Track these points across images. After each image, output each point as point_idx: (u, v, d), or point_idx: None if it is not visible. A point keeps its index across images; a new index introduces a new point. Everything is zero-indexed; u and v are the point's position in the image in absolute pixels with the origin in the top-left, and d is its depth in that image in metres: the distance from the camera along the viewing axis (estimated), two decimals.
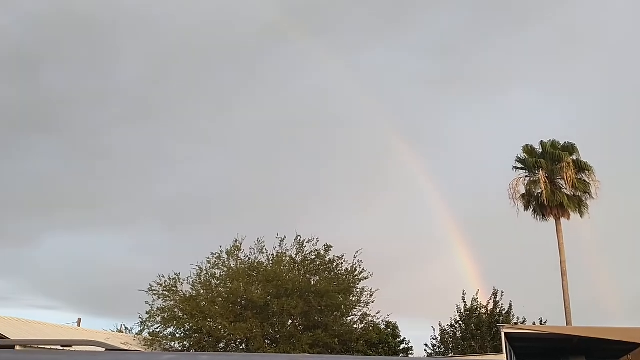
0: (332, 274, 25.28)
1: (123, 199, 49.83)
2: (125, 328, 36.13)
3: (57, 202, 48.78)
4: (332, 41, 46.25)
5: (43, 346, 4.06)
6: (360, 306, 25.39)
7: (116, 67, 48.19)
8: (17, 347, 4.95)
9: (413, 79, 47.00)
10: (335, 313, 24.65)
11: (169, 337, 23.88)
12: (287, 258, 25.03)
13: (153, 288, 23.76)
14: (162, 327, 23.91)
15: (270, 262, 24.75)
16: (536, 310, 28.26)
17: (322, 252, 25.28)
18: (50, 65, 48.44)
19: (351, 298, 25.18)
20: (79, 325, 28.63)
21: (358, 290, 25.24)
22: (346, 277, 25.19)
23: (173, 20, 45.84)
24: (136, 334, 26.29)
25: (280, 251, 25.03)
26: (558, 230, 28.94)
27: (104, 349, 3.01)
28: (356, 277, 25.26)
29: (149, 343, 23.63)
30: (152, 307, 23.74)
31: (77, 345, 3.05)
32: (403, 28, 47.97)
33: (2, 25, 45.84)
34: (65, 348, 3.01)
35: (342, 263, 25.43)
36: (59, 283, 45.17)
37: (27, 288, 49.15)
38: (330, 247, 25.30)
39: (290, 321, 24.23)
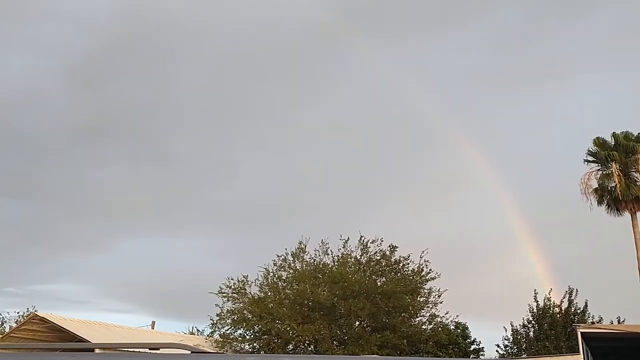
0: (399, 274, 25.05)
1: (192, 204, 51.15)
2: (197, 330, 37.01)
3: (130, 207, 50.53)
4: (390, 40, 45.99)
5: (128, 349, 4.17)
6: (428, 307, 25.04)
7: (177, 78, 49.48)
8: (97, 350, 5.10)
9: (477, 74, 46.17)
10: (403, 314, 24.41)
11: (239, 338, 24.25)
12: (352, 259, 24.99)
13: (222, 290, 24.21)
14: (232, 329, 24.32)
15: (336, 263, 24.75)
16: (613, 309, 27.20)
17: (387, 252, 25.10)
18: (118, 80, 50.22)
19: (419, 299, 24.86)
20: (152, 328, 29.48)
21: (425, 290, 24.91)
22: (413, 278, 24.88)
23: (231, 27, 46.64)
24: (207, 335, 26.83)
25: (345, 252, 25.03)
26: (634, 225, 27.73)
27: (190, 352, 3.06)
28: (423, 278, 24.91)
29: (220, 345, 24.07)
30: (222, 310, 24.21)
31: (163, 348, 3.12)
32: (464, 23, 47.18)
33: (70, 38, 47.88)
34: (152, 351, 3.08)
35: (408, 264, 25.19)
36: (133, 287, 46.78)
37: (103, 292, 51.16)
38: (396, 247, 25.09)
39: (357, 322, 24.16)
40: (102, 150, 51.97)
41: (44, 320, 22.27)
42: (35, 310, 28.14)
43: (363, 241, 25.13)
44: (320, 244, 25.17)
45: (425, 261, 24.95)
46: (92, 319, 24.85)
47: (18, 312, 34.59)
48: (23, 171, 52.45)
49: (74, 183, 52.75)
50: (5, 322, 35.65)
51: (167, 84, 50.03)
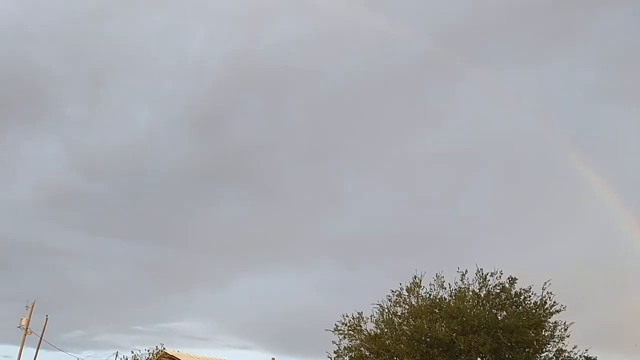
0: (520, 307, 23.87)
1: (304, 239, 52.02)
2: None
3: (246, 245, 52.24)
4: (498, 65, 44.91)
5: None
6: (554, 341, 23.62)
7: (287, 116, 51.07)
8: None
9: (595, 95, 43.97)
10: (527, 350, 23.16)
11: None
12: (470, 293, 24.18)
13: (338, 327, 24.21)
14: None
15: (453, 297, 24.06)
16: None
17: (507, 285, 24.08)
18: (232, 121, 52.63)
19: (543, 333, 23.53)
20: None
21: (550, 324, 23.56)
22: (536, 311, 23.61)
23: (337, 65, 47.60)
24: None
25: (463, 286, 24.29)
26: None
27: None
28: (547, 310, 23.60)
29: None
30: (339, 347, 24.18)
31: None
32: (573, 42, 45.24)
33: (193, 94, 50.95)
34: None
35: (529, 296, 23.99)
36: (252, 323, 47.96)
37: (224, 328, 52.80)
38: (515, 279, 23.98)
39: (479, 359, 23.24)
40: (223, 189, 54.46)
41: (172, 357, 23.33)
42: (164, 348, 29.44)
43: (481, 274, 24.32)
44: (436, 278, 24.63)
45: (548, 293, 23.72)
46: (214, 356, 25.70)
47: (148, 350, 36.37)
48: (148, 214, 55.87)
49: (196, 223, 55.40)
50: (138, 359, 37.56)
51: (279, 123, 51.85)
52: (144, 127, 54.07)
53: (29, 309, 34.62)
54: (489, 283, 24.22)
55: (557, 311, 23.51)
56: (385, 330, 24.11)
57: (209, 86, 51.24)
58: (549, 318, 23.54)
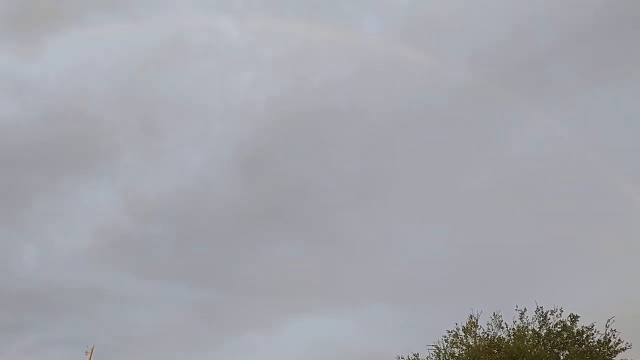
0: (583, 346, 23.12)
1: (355, 280, 51.72)
2: None
3: (297, 286, 52.29)
4: (539, 94, 44.57)
5: None
6: None
7: (333, 156, 51.62)
8: None
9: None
10: None
11: None
12: (530, 332, 23.56)
13: None
14: None
15: (512, 337, 23.48)
16: None
17: (568, 323, 23.40)
18: (279, 163, 53.51)
19: None
20: None
21: None
22: (599, 349, 22.82)
23: (383, 102, 48.09)
24: None
25: (522, 325, 23.69)
26: None
27: None
28: (611, 349, 22.80)
29: None
30: None
31: None
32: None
33: (241, 137, 52.19)
34: None
35: (592, 334, 23.24)
36: None
37: None
38: (577, 317, 23.32)
39: None
40: (273, 231, 54.99)
41: None
42: None
43: (541, 312, 23.73)
44: (493, 317, 24.13)
45: (612, 330, 22.94)
46: None
47: None
48: (200, 256, 56.66)
49: (248, 264, 55.88)
50: None
51: (326, 164, 52.41)
52: (194, 170, 55.51)
53: (89, 354, 35.31)
54: (550, 321, 23.63)
55: (623, 349, 22.71)
56: None
57: (256, 129, 52.49)
58: (614, 357, 22.74)
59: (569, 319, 23.37)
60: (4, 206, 55.44)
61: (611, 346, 22.74)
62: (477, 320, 24.08)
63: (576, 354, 22.61)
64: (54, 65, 50.39)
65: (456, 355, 24.00)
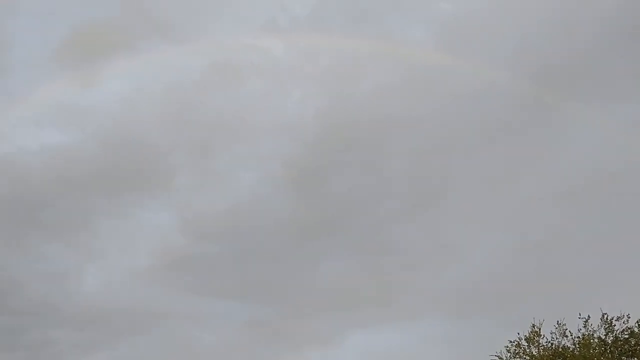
0: None
1: (412, 291, 51.19)
2: None
3: (353, 299, 52.11)
4: (595, 99, 43.40)
5: None
6: None
7: (385, 166, 51.47)
8: None
9: None
10: None
11: None
12: (596, 340, 22.81)
13: None
14: None
15: (577, 346, 22.78)
16: None
17: (636, 329, 22.55)
18: (331, 176, 53.74)
19: None
20: None
21: None
22: None
23: (429, 114, 47.75)
24: None
25: (587, 333, 22.96)
26: None
27: None
28: None
29: None
30: None
31: None
32: None
33: (292, 152, 52.77)
34: None
35: None
36: None
37: None
38: None
39: None
40: (326, 245, 55.13)
41: None
42: None
43: (606, 319, 22.95)
44: (557, 325, 23.50)
45: None
46: None
47: None
48: (255, 273, 57.25)
49: (304, 280, 56.11)
50: None
51: (378, 174, 52.37)
52: (247, 188, 56.29)
53: None
54: (616, 328, 22.87)
55: None
56: None
57: (306, 144, 52.94)
58: None
59: (637, 325, 22.54)
60: (67, 230, 57.53)
61: None
62: (539, 330, 23.50)
63: None
64: (110, 94, 52.37)
65: None
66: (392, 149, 51.94)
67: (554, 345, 23.22)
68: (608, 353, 22.50)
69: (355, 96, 50.75)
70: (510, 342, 23.72)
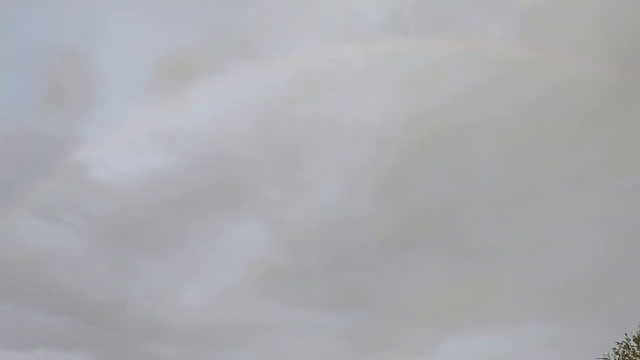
0: None
1: (508, 295, 49.67)
2: None
3: (446, 306, 51.18)
4: None
5: None
6: None
7: (473, 170, 50.41)
8: None
9: None
10: None
11: None
12: None
13: None
14: None
15: None
16: None
17: None
18: (418, 182, 53.25)
19: None
20: None
21: None
22: None
23: (515, 112, 46.41)
24: None
25: None
26: None
27: None
28: None
29: None
30: None
31: None
32: None
33: (378, 162, 52.82)
34: None
35: None
36: None
37: None
38: None
39: None
40: (416, 252, 54.57)
41: None
42: None
43: None
44: None
45: None
46: None
47: None
48: (347, 282, 57.42)
49: (396, 288, 55.72)
50: None
51: (466, 178, 51.40)
52: (335, 199, 56.77)
53: None
54: None
55: None
56: None
57: (392, 150, 52.78)
58: None
59: None
60: (164, 247, 60.12)
61: None
62: None
63: None
64: (198, 115, 54.41)
65: None
66: (479, 150, 50.86)
67: None
68: None
69: (439, 99, 50.15)
70: (618, 343, 22.58)
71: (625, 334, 22.61)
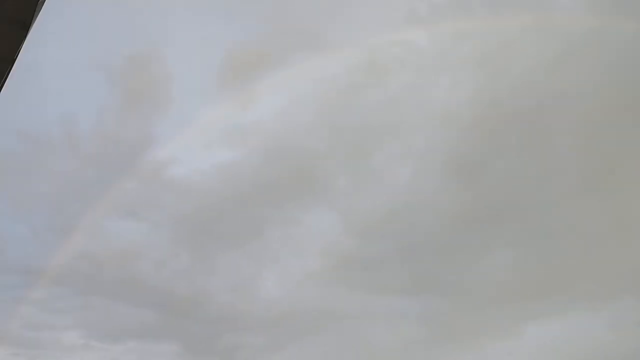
0: None
1: (593, 275, 47.84)
2: None
3: (528, 288, 49.81)
4: None
5: None
6: None
7: (551, 145, 48.65)
8: None
9: None
10: None
11: None
12: None
13: None
14: None
15: None
16: None
17: None
18: (493, 163, 51.91)
19: None
20: None
21: None
22: None
23: (591, 85, 44.27)
24: None
25: None
26: None
27: None
28: None
29: None
30: None
31: None
32: None
33: (448, 144, 51.90)
34: None
35: None
36: None
37: None
38: None
39: None
40: (492, 234, 53.30)
41: None
42: None
43: None
44: None
45: None
46: None
47: None
48: (422, 268, 56.92)
49: (473, 272, 54.75)
50: None
51: (545, 155, 49.71)
52: (406, 185, 56.20)
53: None
54: None
55: None
56: None
57: (462, 132, 51.63)
58: None
59: None
60: (242, 240, 61.62)
61: None
62: None
63: None
64: (267, 108, 55.19)
65: None
66: (554, 126, 48.90)
67: None
68: None
69: (508, 76, 48.54)
70: None
71: None
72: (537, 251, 52.46)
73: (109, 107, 53.86)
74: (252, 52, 49.07)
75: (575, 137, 48.49)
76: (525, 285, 51.01)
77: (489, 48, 48.99)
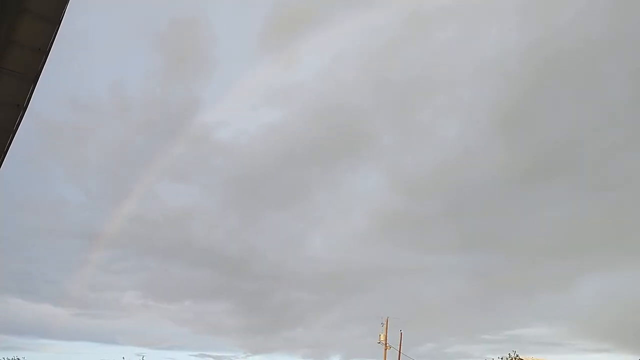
0: None
1: None
2: None
3: (581, 243, 48.88)
4: None
5: None
6: None
7: (604, 96, 46.88)
8: None
9: None
10: None
11: None
12: None
13: None
14: None
15: None
16: None
17: None
18: (542, 115, 50.44)
19: None
20: None
21: None
22: None
23: None
24: None
25: None
26: None
27: None
28: None
29: None
30: None
31: None
32: None
33: (495, 97, 50.45)
34: None
35: None
36: (605, 324, 44.26)
37: (575, 332, 49.73)
38: None
39: None
40: (544, 189, 52.25)
41: None
42: (517, 356, 28.93)
43: None
44: None
45: None
46: None
47: (501, 358, 36.10)
48: (472, 225, 56.36)
49: (525, 227, 53.96)
50: None
51: (597, 106, 47.98)
52: (453, 140, 55.24)
53: (384, 326, 37.54)
54: None
55: None
56: None
57: (511, 84, 50.16)
58: None
59: None
60: (288, 201, 62.22)
61: None
62: None
63: None
64: (311, 68, 54.81)
65: None
66: (609, 73, 46.94)
67: None
68: None
69: (557, 22, 46.57)
70: None
71: None
72: (589, 205, 51.24)
73: (155, 73, 54.47)
74: (290, 13, 48.52)
75: (629, 82, 46.53)
76: (576, 239, 50.07)
77: None
